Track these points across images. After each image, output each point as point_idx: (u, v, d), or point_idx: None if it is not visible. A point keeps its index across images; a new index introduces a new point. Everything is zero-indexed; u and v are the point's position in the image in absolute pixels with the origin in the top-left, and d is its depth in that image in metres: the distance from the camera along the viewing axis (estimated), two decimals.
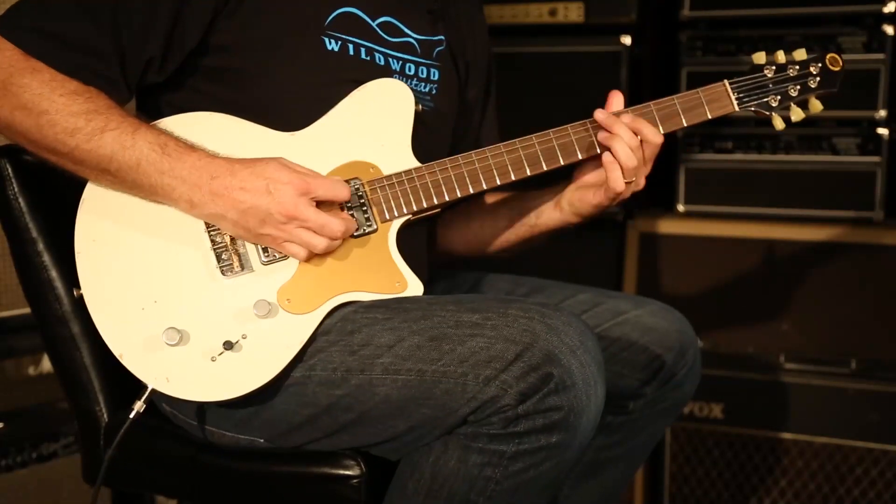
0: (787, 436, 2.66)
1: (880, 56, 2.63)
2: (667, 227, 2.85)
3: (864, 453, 2.60)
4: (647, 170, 1.77)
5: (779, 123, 1.82)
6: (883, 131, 2.66)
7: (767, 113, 1.80)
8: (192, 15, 1.59)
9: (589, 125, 1.74)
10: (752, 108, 1.80)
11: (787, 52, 1.82)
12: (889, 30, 2.62)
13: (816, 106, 1.83)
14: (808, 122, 2.68)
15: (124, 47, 1.56)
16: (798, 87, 1.80)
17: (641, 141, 1.72)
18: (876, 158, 2.66)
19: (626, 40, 2.79)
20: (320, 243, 1.55)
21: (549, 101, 2.85)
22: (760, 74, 1.80)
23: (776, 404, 2.67)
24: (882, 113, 2.65)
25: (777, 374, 2.68)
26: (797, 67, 1.80)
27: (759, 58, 1.81)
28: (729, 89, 1.78)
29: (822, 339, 2.69)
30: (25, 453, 2.38)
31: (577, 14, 2.84)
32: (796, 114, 1.82)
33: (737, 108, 1.79)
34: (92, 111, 1.51)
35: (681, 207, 2.84)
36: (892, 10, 2.61)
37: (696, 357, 1.91)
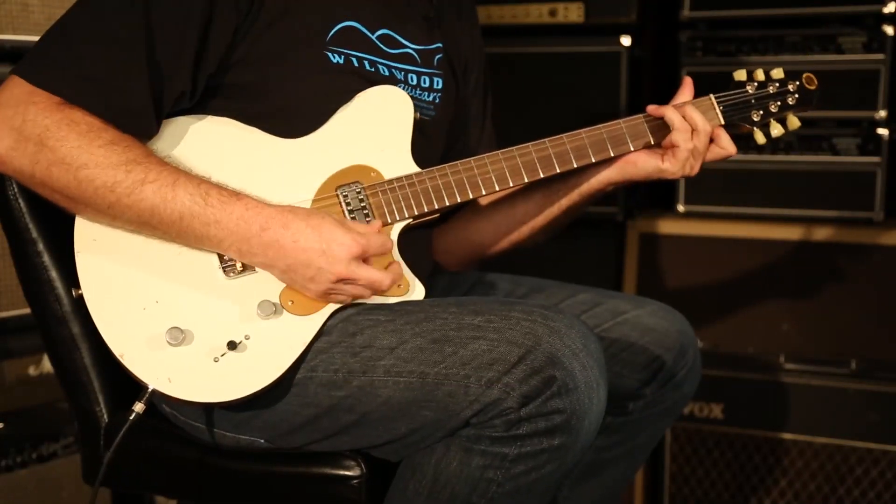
0: (787, 436, 2.66)
1: (880, 56, 2.63)
2: (667, 227, 2.85)
3: (864, 453, 2.60)
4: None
5: (760, 138, 1.89)
6: (883, 131, 2.66)
7: (750, 127, 1.87)
8: (216, 41, 1.57)
9: (584, 135, 1.78)
10: (737, 122, 1.86)
11: (766, 70, 1.88)
12: (889, 30, 2.62)
13: (794, 122, 1.89)
14: (808, 122, 2.71)
15: (160, 82, 1.53)
16: (778, 103, 1.87)
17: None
18: (876, 158, 2.67)
19: (626, 40, 2.79)
20: (367, 295, 1.58)
21: (549, 101, 2.85)
22: (743, 91, 1.86)
23: (776, 404, 2.67)
24: (882, 113, 2.65)
25: (777, 374, 2.68)
26: (776, 85, 1.87)
27: (741, 75, 1.88)
28: (715, 103, 1.84)
29: (822, 339, 2.69)
30: (25, 453, 2.38)
31: (577, 14, 2.84)
32: (776, 129, 1.88)
33: (723, 121, 1.84)
34: (131, 161, 1.47)
35: (681, 207, 2.84)
36: (892, 10, 2.62)
37: (697, 357, 1.91)
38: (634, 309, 1.89)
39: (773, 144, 2.74)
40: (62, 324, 1.73)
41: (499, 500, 1.51)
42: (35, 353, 2.43)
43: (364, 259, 1.55)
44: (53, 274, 1.71)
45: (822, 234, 2.70)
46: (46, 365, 2.43)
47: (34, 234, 1.71)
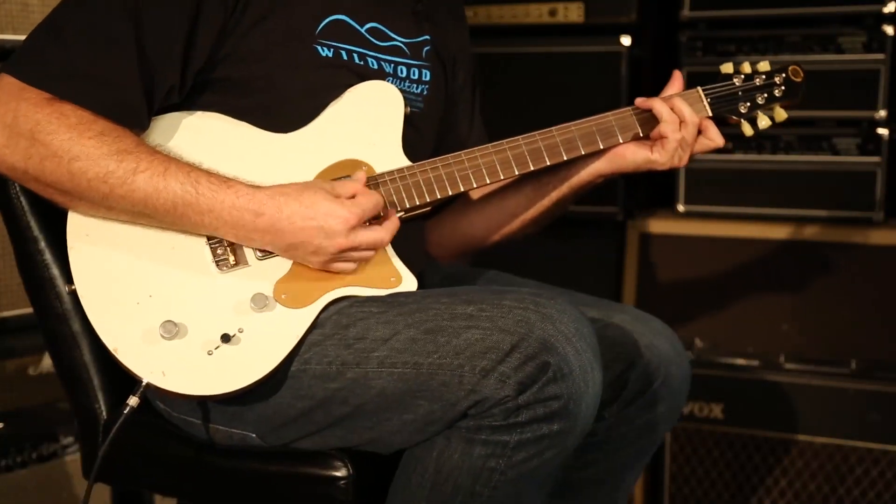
0: (787, 436, 2.66)
1: (880, 56, 2.64)
2: (667, 227, 2.86)
3: (864, 453, 2.60)
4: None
5: (748, 130, 1.91)
6: (883, 131, 2.66)
7: (737, 119, 1.89)
8: (204, 34, 1.58)
9: (573, 128, 1.79)
10: (724, 114, 1.87)
11: (753, 63, 1.90)
12: (889, 30, 2.62)
13: (781, 115, 1.91)
14: (808, 122, 2.72)
15: (150, 75, 1.54)
16: (765, 95, 1.89)
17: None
18: (876, 158, 2.67)
19: (626, 40, 2.80)
20: (370, 255, 1.60)
21: (549, 101, 2.85)
22: (730, 83, 1.89)
23: (776, 404, 2.67)
24: (882, 113, 2.65)
25: (777, 374, 2.67)
26: (763, 77, 1.90)
27: (727, 68, 1.90)
28: (702, 95, 1.86)
29: (822, 339, 2.69)
30: (25, 453, 2.38)
31: (577, 14, 2.85)
32: (764, 121, 1.90)
33: (710, 113, 1.85)
34: (122, 151, 1.48)
35: (681, 207, 2.84)
36: (892, 10, 2.62)
37: (680, 372, 1.84)
38: (604, 319, 1.82)
39: (774, 144, 2.74)
40: (62, 321, 1.74)
41: (502, 488, 1.51)
42: (35, 352, 2.43)
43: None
44: (54, 271, 1.72)
45: (821, 234, 2.71)
46: (46, 365, 2.43)
47: (35, 232, 1.72)
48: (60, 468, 2.44)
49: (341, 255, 1.56)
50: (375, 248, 1.59)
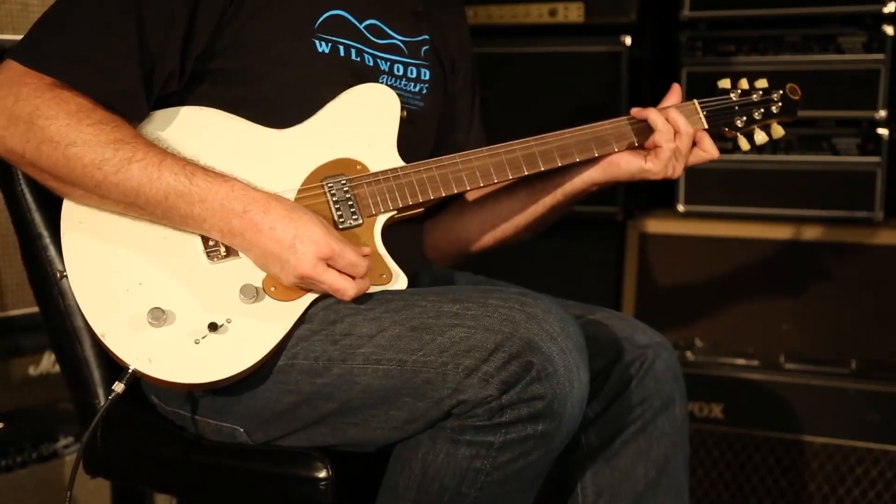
0: (787, 436, 2.66)
1: (880, 56, 2.64)
2: (667, 227, 2.86)
3: (864, 453, 2.60)
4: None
5: (744, 144, 1.93)
6: (883, 131, 2.67)
7: (733, 132, 1.91)
8: (203, 22, 1.60)
9: (568, 135, 1.80)
10: (720, 127, 1.89)
11: (750, 79, 1.92)
12: (889, 30, 2.62)
13: (778, 131, 1.93)
14: (808, 122, 2.72)
15: (150, 62, 1.56)
16: (762, 110, 1.92)
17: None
18: (876, 158, 2.67)
19: (627, 40, 2.80)
20: (336, 296, 1.55)
21: (548, 101, 2.86)
22: (726, 97, 1.91)
23: (776, 404, 2.67)
24: (882, 113, 2.65)
25: (777, 374, 2.67)
26: (760, 93, 1.91)
27: (725, 83, 1.92)
28: (699, 108, 1.87)
29: (822, 339, 2.69)
30: (25, 453, 2.38)
31: (577, 14, 2.85)
32: (760, 136, 1.92)
33: (706, 125, 1.87)
34: (119, 140, 1.49)
35: (681, 207, 2.84)
36: (892, 10, 2.62)
37: (661, 363, 1.80)
38: (584, 315, 1.82)
39: (774, 144, 2.74)
40: (64, 317, 1.75)
41: (489, 489, 1.50)
42: (35, 352, 2.43)
43: (333, 266, 1.53)
44: (57, 267, 1.73)
45: (821, 234, 2.71)
46: (46, 365, 2.43)
47: (40, 228, 1.74)
48: (60, 468, 2.44)
49: (303, 283, 1.53)
50: (336, 294, 1.54)
